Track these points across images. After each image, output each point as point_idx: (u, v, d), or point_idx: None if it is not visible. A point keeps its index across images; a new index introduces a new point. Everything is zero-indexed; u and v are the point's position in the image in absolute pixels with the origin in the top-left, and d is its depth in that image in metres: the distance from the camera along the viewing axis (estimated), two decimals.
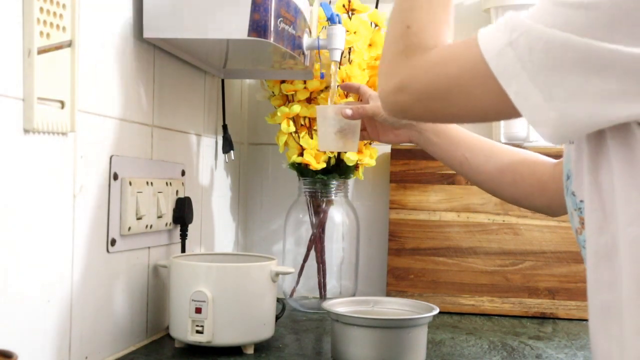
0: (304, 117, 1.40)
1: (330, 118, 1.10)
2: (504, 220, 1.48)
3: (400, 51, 0.77)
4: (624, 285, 0.65)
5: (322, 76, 1.28)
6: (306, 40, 1.19)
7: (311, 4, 1.23)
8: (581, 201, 0.72)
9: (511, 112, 0.67)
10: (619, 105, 0.62)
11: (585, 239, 0.72)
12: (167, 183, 1.16)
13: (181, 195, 1.21)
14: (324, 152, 1.39)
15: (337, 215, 1.45)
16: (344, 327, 1.01)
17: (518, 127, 1.46)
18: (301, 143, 1.38)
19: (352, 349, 1.00)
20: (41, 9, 0.80)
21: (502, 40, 0.65)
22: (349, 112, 1.08)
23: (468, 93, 0.70)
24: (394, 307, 1.10)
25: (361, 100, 1.15)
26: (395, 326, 1.00)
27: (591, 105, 0.63)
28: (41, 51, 0.80)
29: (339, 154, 1.41)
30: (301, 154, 1.39)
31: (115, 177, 1.00)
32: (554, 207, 0.99)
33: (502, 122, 1.47)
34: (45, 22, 0.80)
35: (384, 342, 0.99)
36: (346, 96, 1.38)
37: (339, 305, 1.08)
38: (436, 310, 1.02)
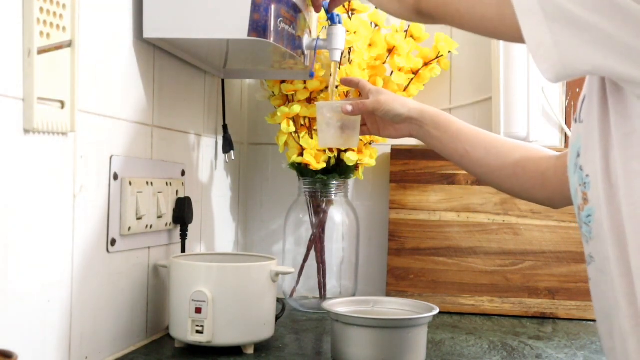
0: (304, 117, 1.40)
1: (330, 114, 1.10)
2: (504, 220, 1.48)
3: None
4: (631, 257, 0.66)
5: (311, 75, 1.29)
6: (306, 40, 1.19)
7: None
8: (587, 176, 0.73)
9: (513, 37, 0.70)
10: (623, 61, 0.63)
11: (587, 215, 0.73)
12: (167, 183, 1.16)
13: (181, 195, 1.21)
14: (324, 152, 1.39)
15: (337, 215, 1.45)
16: (344, 327, 1.01)
17: (518, 126, 1.46)
18: (301, 143, 1.38)
19: (352, 349, 1.00)
20: (41, 9, 0.80)
21: None
22: (349, 107, 1.08)
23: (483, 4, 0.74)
24: (394, 307, 1.10)
25: (361, 96, 1.15)
26: (395, 326, 1.00)
27: (594, 52, 0.64)
28: (41, 51, 0.80)
29: (339, 154, 1.41)
30: (301, 154, 1.39)
31: (115, 177, 1.00)
32: (555, 200, 0.99)
33: (502, 122, 1.47)
34: (45, 22, 0.80)
35: (384, 342, 0.99)
36: (346, 95, 1.38)
37: (339, 305, 1.08)
38: (436, 310, 1.02)
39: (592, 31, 0.63)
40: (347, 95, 1.38)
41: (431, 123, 1.07)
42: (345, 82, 1.20)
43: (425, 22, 0.91)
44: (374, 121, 1.14)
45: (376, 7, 0.99)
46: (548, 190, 0.99)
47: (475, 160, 1.04)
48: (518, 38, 0.68)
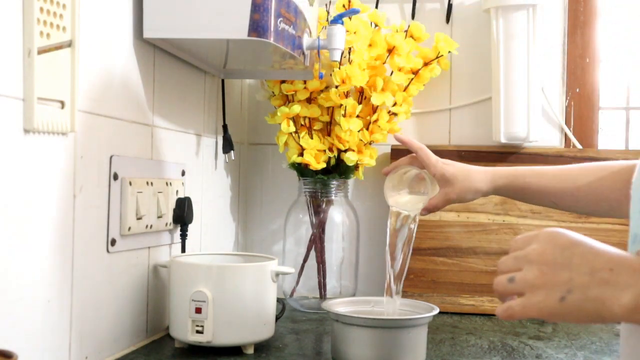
0: (304, 117, 1.40)
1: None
2: (504, 220, 1.48)
3: None
4: None
5: (321, 76, 1.28)
6: (306, 40, 1.19)
7: (311, 4, 1.23)
8: None
9: None
10: None
11: None
12: (167, 183, 1.16)
13: (181, 195, 1.21)
14: (324, 152, 1.39)
15: (337, 215, 1.45)
16: (344, 327, 1.01)
17: (518, 126, 1.46)
18: (301, 143, 1.38)
19: (352, 349, 1.00)
20: (41, 9, 0.80)
21: None
22: (423, 213, 1.04)
23: None
24: None
25: (417, 156, 1.08)
26: (395, 326, 1.00)
27: None
28: (41, 51, 0.80)
29: (339, 154, 1.41)
30: (301, 154, 1.39)
31: (115, 177, 1.00)
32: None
33: (502, 122, 1.47)
34: (45, 22, 0.80)
35: (384, 342, 0.98)
36: (346, 96, 1.38)
37: (339, 305, 1.08)
38: (436, 310, 1.02)
39: None
40: (347, 95, 1.38)
41: (508, 192, 1.05)
42: (402, 141, 1.10)
43: None
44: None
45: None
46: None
47: (568, 207, 1.03)
48: None
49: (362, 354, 0.99)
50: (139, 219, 1.05)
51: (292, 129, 1.38)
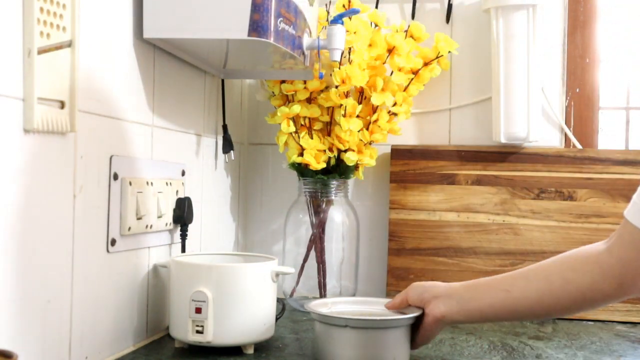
0: (304, 117, 1.40)
1: None
2: (504, 220, 1.48)
3: None
4: None
5: (321, 76, 1.28)
6: (306, 40, 1.19)
7: (311, 4, 1.23)
8: None
9: None
10: None
11: None
12: (167, 183, 1.16)
13: (181, 195, 1.21)
14: (324, 152, 1.39)
15: (337, 215, 1.45)
16: (324, 327, 0.99)
17: (518, 126, 1.46)
18: (301, 143, 1.38)
19: (334, 349, 0.98)
20: (41, 9, 0.80)
21: None
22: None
23: None
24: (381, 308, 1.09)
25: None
26: (374, 327, 0.98)
27: None
28: (41, 51, 0.80)
29: (339, 154, 1.41)
30: (301, 154, 1.39)
31: (115, 177, 1.00)
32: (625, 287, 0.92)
33: (502, 122, 1.47)
34: (45, 22, 0.80)
35: (364, 342, 0.97)
36: (346, 95, 1.38)
37: (321, 306, 1.06)
38: (416, 313, 1.00)
39: None
40: (347, 95, 1.38)
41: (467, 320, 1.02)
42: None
43: None
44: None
45: None
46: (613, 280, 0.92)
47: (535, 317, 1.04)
48: None
49: (340, 354, 0.97)
50: (139, 219, 1.05)
51: (292, 129, 1.38)
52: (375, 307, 1.09)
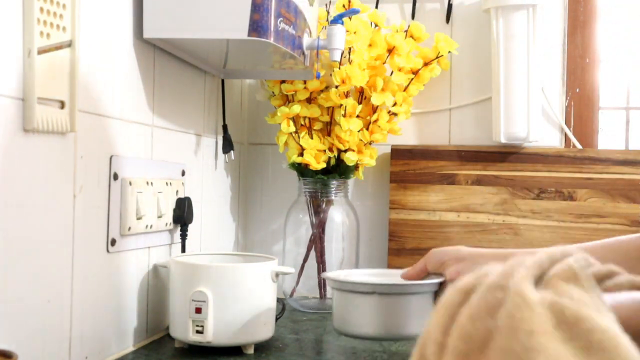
0: (304, 117, 1.40)
1: None
2: (504, 220, 1.48)
3: None
4: None
5: (318, 76, 1.28)
6: (306, 40, 1.19)
7: (311, 4, 1.23)
8: None
9: None
10: None
11: None
12: (167, 183, 1.16)
13: (181, 195, 1.21)
14: (324, 152, 1.39)
15: (337, 215, 1.45)
16: (345, 295, 0.96)
17: (518, 126, 1.46)
18: (301, 143, 1.38)
19: (355, 318, 0.95)
20: (41, 9, 0.80)
21: None
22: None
23: None
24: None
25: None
26: (398, 292, 0.94)
27: None
28: (41, 51, 0.80)
29: (339, 154, 1.41)
30: (301, 154, 1.39)
31: (115, 177, 1.00)
32: None
33: (502, 122, 1.47)
34: (45, 22, 0.80)
35: (386, 309, 0.93)
36: (346, 96, 1.38)
37: (339, 275, 1.03)
38: (441, 279, 0.96)
39: None
40: (347, 95, 1.38)
41: None
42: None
43: None
44: None
45: None
46: None
47: None
48: None
49: (364, 322, 0.94)
50: (139, 219, 1.05)
51: (292, 129, 1.38)
52: (392, 278, 1.05)
